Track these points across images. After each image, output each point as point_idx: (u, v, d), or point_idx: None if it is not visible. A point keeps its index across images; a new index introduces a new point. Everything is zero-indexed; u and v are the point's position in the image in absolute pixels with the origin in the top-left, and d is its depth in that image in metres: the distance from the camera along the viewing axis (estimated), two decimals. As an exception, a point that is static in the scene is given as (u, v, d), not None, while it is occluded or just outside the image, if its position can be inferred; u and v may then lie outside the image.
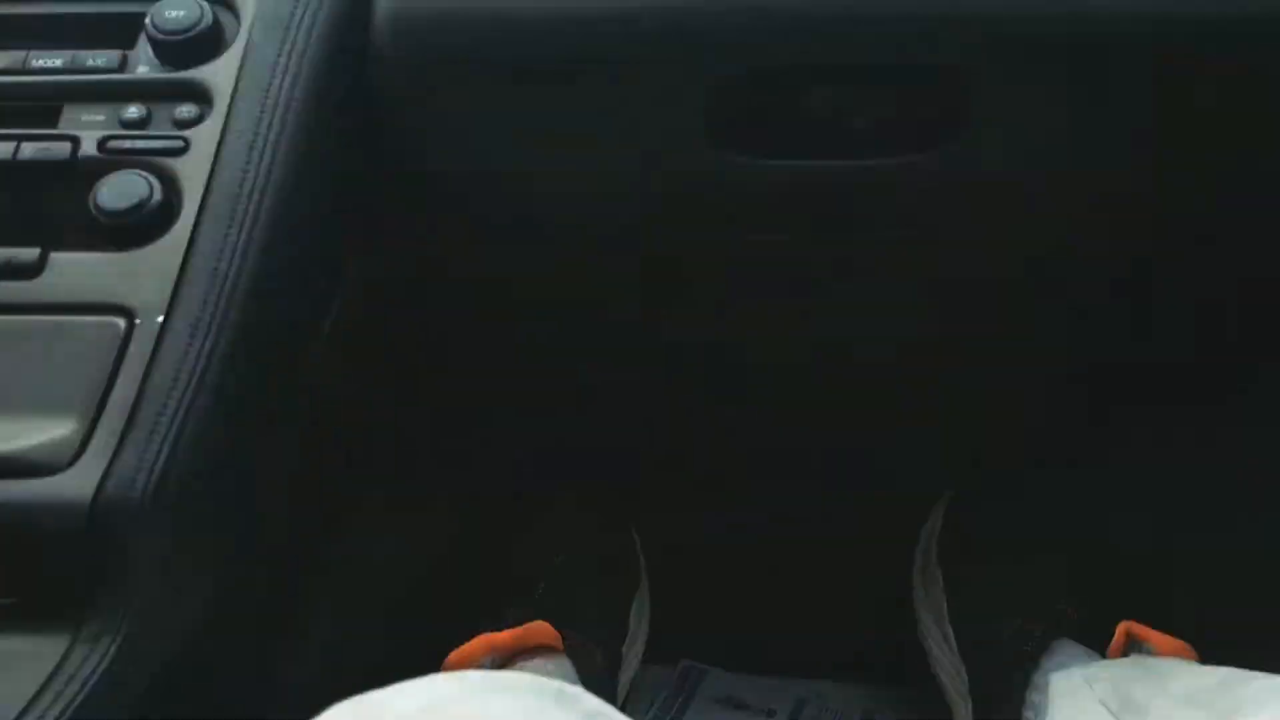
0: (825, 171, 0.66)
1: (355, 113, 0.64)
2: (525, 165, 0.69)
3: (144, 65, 0.61)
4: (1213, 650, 0.67)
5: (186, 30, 0.60)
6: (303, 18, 0.62)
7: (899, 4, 0.59)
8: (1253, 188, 0.70)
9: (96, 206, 0.54)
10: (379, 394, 0.85)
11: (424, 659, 0.64)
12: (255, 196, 0.56)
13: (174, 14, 0.60)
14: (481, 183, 0.72)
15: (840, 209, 0.70)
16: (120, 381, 0.50)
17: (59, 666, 0.46)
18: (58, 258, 0.54)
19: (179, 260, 0.54)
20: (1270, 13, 0.58)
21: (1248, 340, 0.85)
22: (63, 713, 0.44)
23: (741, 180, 0.67)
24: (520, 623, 0.75)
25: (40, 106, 0.59)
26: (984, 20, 0.59)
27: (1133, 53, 0.61)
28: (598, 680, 0.77)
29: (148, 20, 0.60)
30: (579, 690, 0.50)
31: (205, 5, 0.61)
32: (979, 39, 0.60)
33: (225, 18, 0.62)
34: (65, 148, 0.57)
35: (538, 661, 0.73)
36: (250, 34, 0.61)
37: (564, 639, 0.76)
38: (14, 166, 0.57)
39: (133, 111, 0.59)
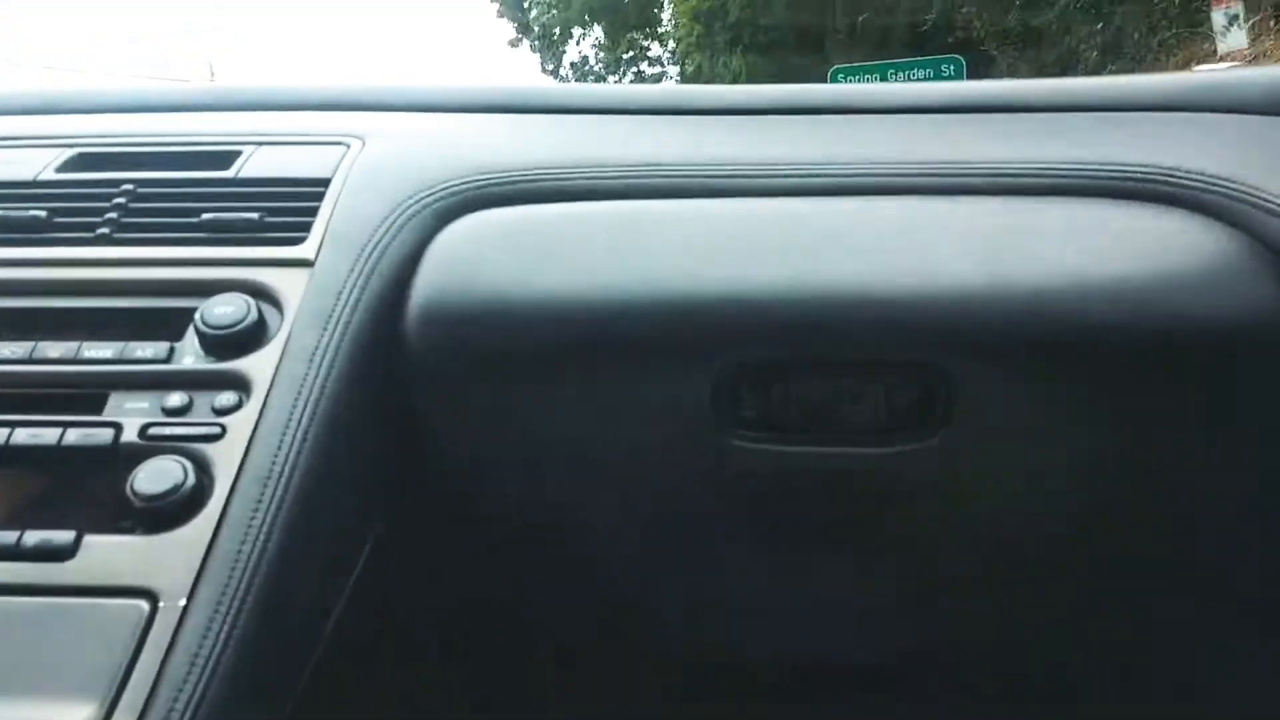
0: (827, 457, 0.71)
1: (386, 397, 0.68)
2: (544, 450, 0.75)
3: (190, 356, 0.65)
4: None
5: (232, 326, 0.64)
6: (341, 311, 0.67)
7: (874, 311, 0.67)
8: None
9: (133, 490, 0.57)
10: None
11: None
12: (283, 480, 0.59)
13: (222, 310, 0.65)
14: (504, 469, 0.77)
15: (841, 493, 0.74)
16: (141, 663, 0.52)
17: None
18: (90, 540, 0.57)
19: (205, 543, 0.56)
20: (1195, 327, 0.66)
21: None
22: None
23: (747, 461, 0.72)
24: None
25: (87, 394, 0.63)
26: (948, 328, 0.68)
27: (1082, 360, 0.69)
28: None
29: (197, 315, 0.65)
30: None
31: (251, 302, 0.66)
32: (949, 343, 0.68)
33: (269, 312, 0.67)
34: (108, 434, 0.60)
35: None
36: (292, 328, 0.66)
37: None
38: (57, 451, 0.60)
39: (175, 399, 0.62)
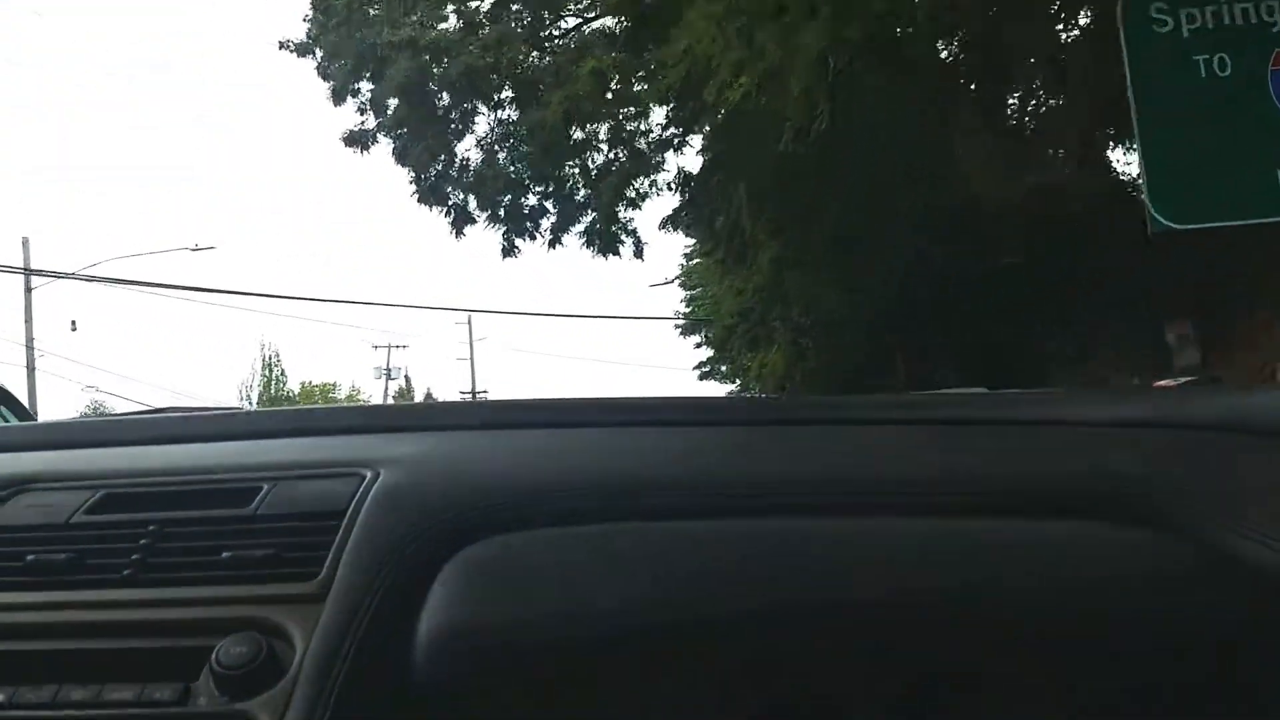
0: None
1: None
2: None
3: (204, 697, 0.66)
4: None
5: (244, 666, 0.66)
6: (350, 648, 0.69)
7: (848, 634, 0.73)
8: None
9: None
10: None
11: None
12: None
13: (236, 650, 0.67)
14: None
15: None
16: None
17: None
18: None
19: None
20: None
21: None
22: None
23: None
24: None
25: None
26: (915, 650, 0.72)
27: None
28: None
29: (213, 656, 0.67)
30: None
31: (264, 640, 0.68)
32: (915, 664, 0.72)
33: (282, 649, 0.69)
34: None
35: None
36: (301, 667, 0.67)
37: None
38: None
39: None
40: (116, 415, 1.15)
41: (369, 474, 0.83)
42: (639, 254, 14.81)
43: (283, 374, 38.13)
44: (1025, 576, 0.74)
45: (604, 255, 14.51)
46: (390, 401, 34.20)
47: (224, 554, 0.76)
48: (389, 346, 35.82)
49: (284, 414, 1.09)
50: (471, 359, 35.89)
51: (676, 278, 23.99)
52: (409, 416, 1.04)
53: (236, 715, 0.65)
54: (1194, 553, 0.73)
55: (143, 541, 0.78)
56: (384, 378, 36.01)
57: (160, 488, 0.86)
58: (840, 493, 0.81)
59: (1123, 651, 0.72)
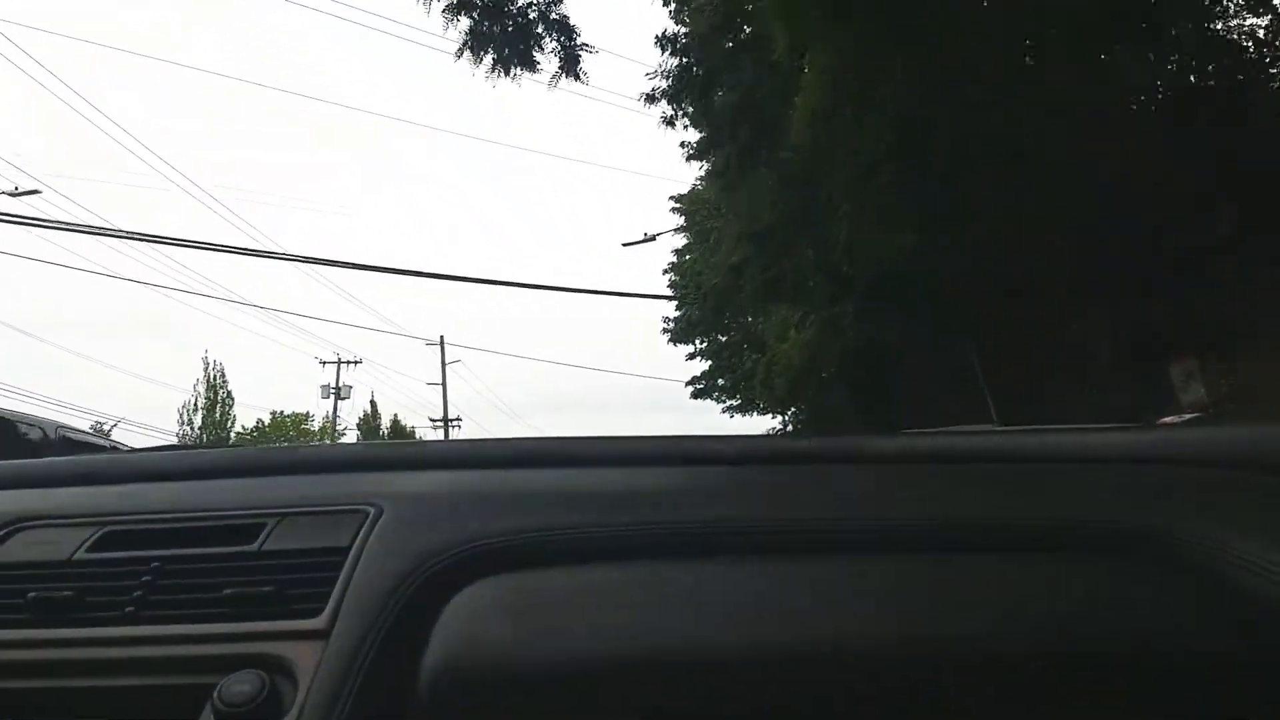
0: None
1: None
2: None
3: None
4: None
5: (248, 703, 0.66)
6: (354, 684, 0.69)
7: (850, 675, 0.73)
8: None
9: None
10: None
11: None
12: None
13: (238, 689, 0.67)
14: None
15: None
16: None
17: None
18: None
19: None
20: None
21: None
22: None
23: None
24: None
25: None
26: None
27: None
28: None
29: (215, 694, 0.67)
30: None
31: (266, 678, 0.68)
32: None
33: (285, 688, 0.69)
34: None
35: None
36: (304, 704, 0.67)
37: None
38: None
39: None
40: (119, 452, 1.15)
41: (372, 511, 0.84)
42: (568, 68, 9.11)
43: (229, 396, 32.73)
44: (1025, 612, 0.74)
45: (509, 69, 8.92)
46: (343, 426, 33.50)
47: (226, 591, 0.76)
48: (339, 362, 31.45)
49: (287, 451, 1.09)
50: (444, 384, 30.65)
51: (658, 234, 18.79)
52: (411, 455, 1.04)
53: None
54: (1194, 586, 0.73)
55: (145, 579, 0.78)
56: (332, 397, 31.61)
57: (163, 525, 0.86)
58: (836, 531, 0.81)
59: (1123, 686, 0.71)
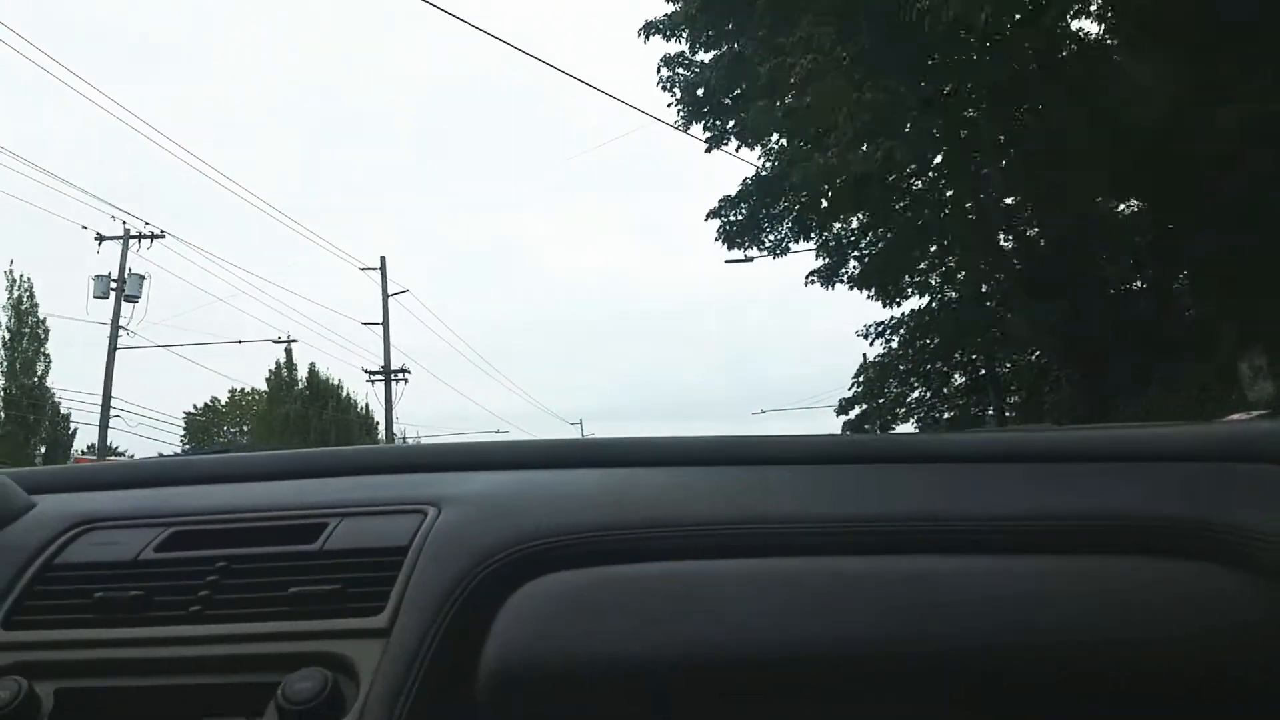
0: None
1: None
2: None
3: None
4: None
5: (309, 701, 0.67)
6: (414, 682, 0.69)
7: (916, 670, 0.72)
8: None
9: None
10: None
11: None
12: None
13: (302, 686, 0.67)
14: None
15: None
16: None
17: None
18: None
19: None
20: None
21: None
22: None
23: None
24: None
25: None
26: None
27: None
28: None
29: (279, 692, 0.68)
30: None
31: (329, 675, 0.68)
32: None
33: (347, 686, 0.69)
34: None
35: None
36: (366, 701, 0.68)
37: None
38: None
39: None
40: (182, 455, 1.18)
41: (431, 511, 0.85)
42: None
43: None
44: (1097, 613, 0.72)
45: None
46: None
47: (290, 590, 0.77)
48: (127, 237, 18.33)
49: (347, 452, 1.11)
50: (385, 320, 22.40)
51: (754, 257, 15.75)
52: (469, 456, 1.05)
53: None
54: (1252, 587, 0.72)
55: (210, 578, 0.79)
56: (112, 295, 18.28)
57: (226, 525, 0.87)
58: (907, 531, 0.80)
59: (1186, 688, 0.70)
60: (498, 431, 25.71)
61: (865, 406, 18.71)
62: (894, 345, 17.70)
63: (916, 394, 18.77)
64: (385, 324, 22.65)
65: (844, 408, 18.99)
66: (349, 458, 1.08)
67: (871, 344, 18.09)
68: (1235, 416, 1.38)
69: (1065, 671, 0.71)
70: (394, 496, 0.90)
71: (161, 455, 1.23)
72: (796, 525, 0.81)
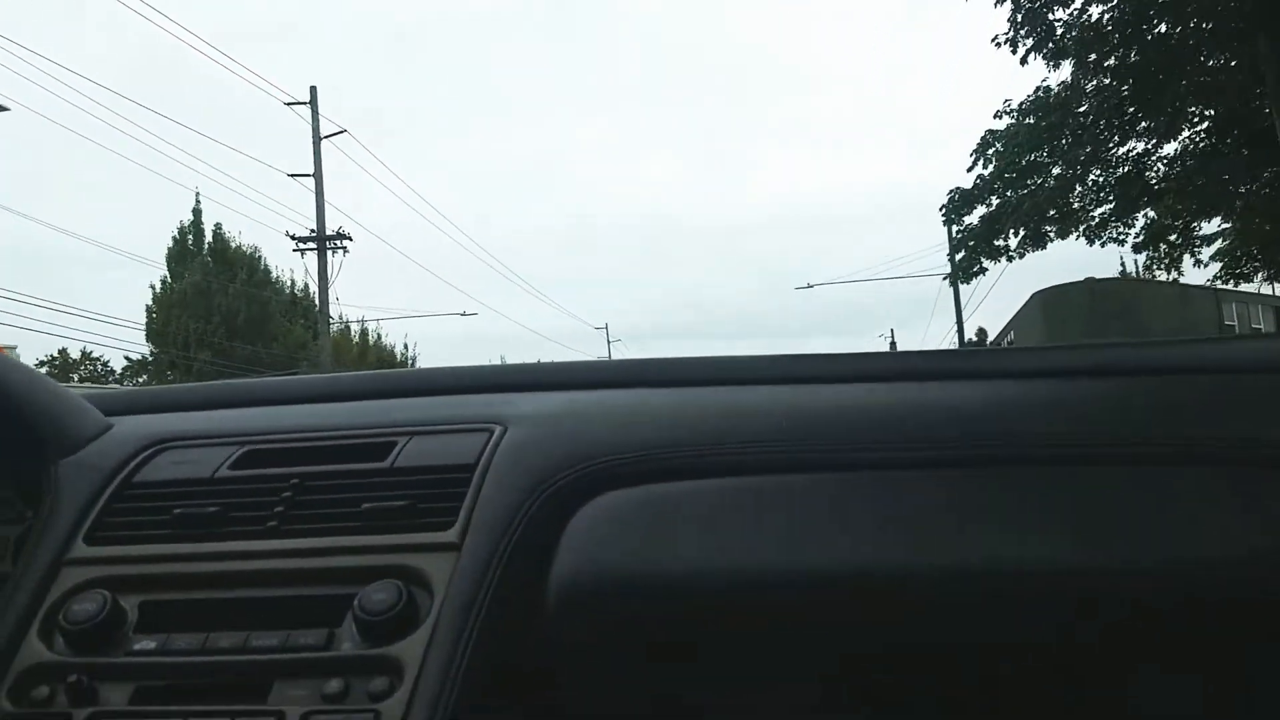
0: None
1: (526, 668, 0.72)
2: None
3: (348, 642, 0.69)
4: None
5: (386, 612, 0.68)
6: (485, 595, 0.71)
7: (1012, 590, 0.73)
8: None
9: None
10: None
11: None
12: None
13: (379, 597, 0.69)
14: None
15: None
16: None
17: None
18: None
19: None
20: None
21: None
22: None
23: None
24: None
25: (255, 683, 0.68)
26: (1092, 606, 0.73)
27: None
28: None
29: (355, 602, 0.70)
30: None
31: (403, 587, 0.70)
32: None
33: (420, 595, 0.71)
34: None
35: None
36: (440, 612, 0.70)
37: None
38: None
39: (333, 686, 0.66)
40: (254, 378, 1.20)
41: (498, 429, 0.86)
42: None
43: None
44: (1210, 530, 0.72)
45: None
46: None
47: (363, 505, 0.78)
48: None
49: (414, 374, 1.13)
50: (318, 173, 16.91)
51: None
52: (535, 376, 1.07)
53: (380, 659, 0.67)
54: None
55: (285, 494, 0.81)
56: None
57: (299, 444, 0.89)
58: (965, 448, 0.80)
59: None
60: (464, 313, 21.66)
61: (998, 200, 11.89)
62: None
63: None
64: (317, 173, 17.35)
65: (955, 208, 12.68)
66: (417, 379, 1.10)
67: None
68: None
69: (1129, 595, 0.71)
70: (461, 415, 0.91)
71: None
72: (868, 443, 0.82)
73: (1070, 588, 0.71)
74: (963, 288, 19.01)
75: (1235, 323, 25.91)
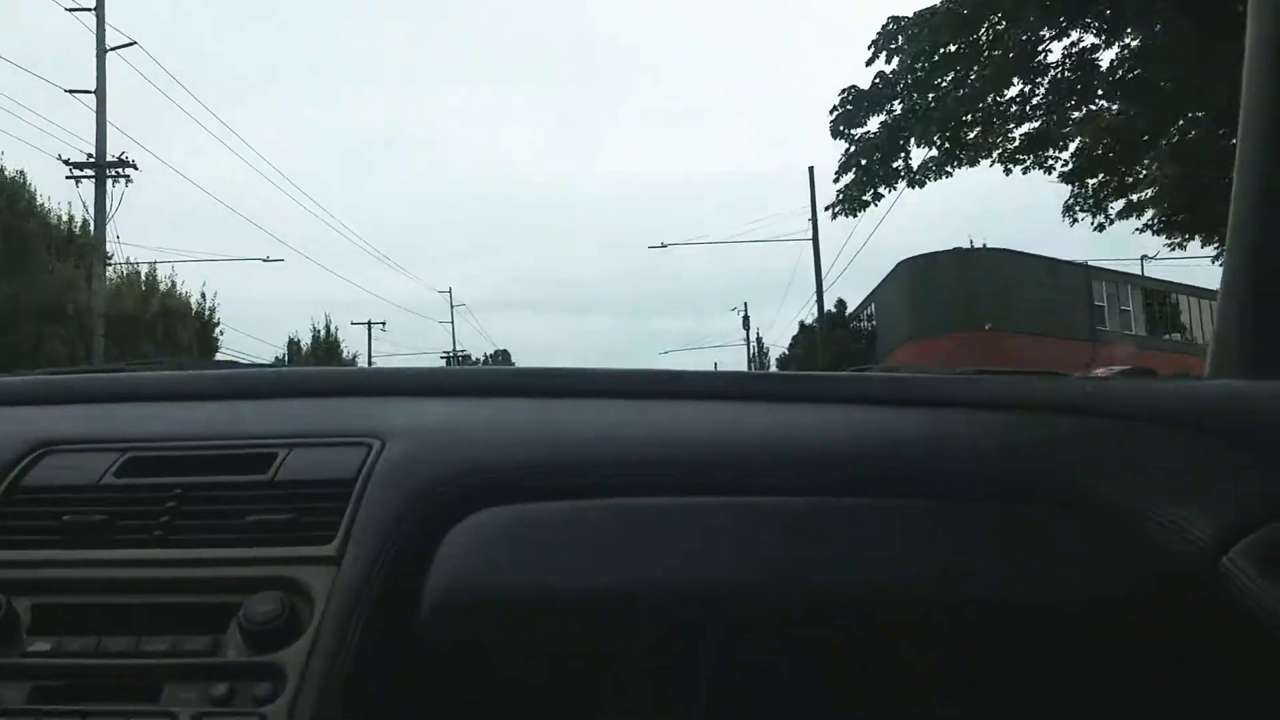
0: None
1: (403, 678, 0.77)
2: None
3: (233, 649, 0.74)
4: None
5: (270, 621, 0.74)
6: (364, 606, 0.76)
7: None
8: None
9: None
10: None
11: None
12: None
13: (262, 607, 0.74)
14: None
15: None
16: None
17: None
18: None
19: None
20: None
21: None
22: None
23: None
24: None
25: (146, 685, 0.72)
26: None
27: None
28: None
29: (240, 612, 0.75)
30: None
31: (285, 598, 0.75)
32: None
33: (302, 607, 0.76)
34: None
35: None
36: (320, 622, 0.75)
37: None
38: None
39: (220, 690, 0.71)
40: (135, 370, 1.20)
41: (376, 444, 0.90)
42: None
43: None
44: (988, 561, 0.81)
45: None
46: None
47: (246, 518, 0.82)
48: None
49: (292, 374, 1.15)
50: (101, 90, 14.01)
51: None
52: (414, 382, 1.10)
53: (264, 666, 0.72)
54: (1109, 534, 0.81)
55: (170, 504, 0.84)
56: None
57: (181, 451, 0.91)
58: (829, 472, 0.87)
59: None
60: (267, 259, 18.38)
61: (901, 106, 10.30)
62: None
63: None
64: (100, 89, 14.81)
65: (847, 116, 10.84)
66: (297, 380, 1.13)
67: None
68: (1099, 372, 1.49)
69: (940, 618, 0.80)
70: (340, 426, 0.95)
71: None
72: (744, 463, 0.88)
73: (892, 609, 0.80)
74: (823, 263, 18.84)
75: (1104, 303, 25.37)
